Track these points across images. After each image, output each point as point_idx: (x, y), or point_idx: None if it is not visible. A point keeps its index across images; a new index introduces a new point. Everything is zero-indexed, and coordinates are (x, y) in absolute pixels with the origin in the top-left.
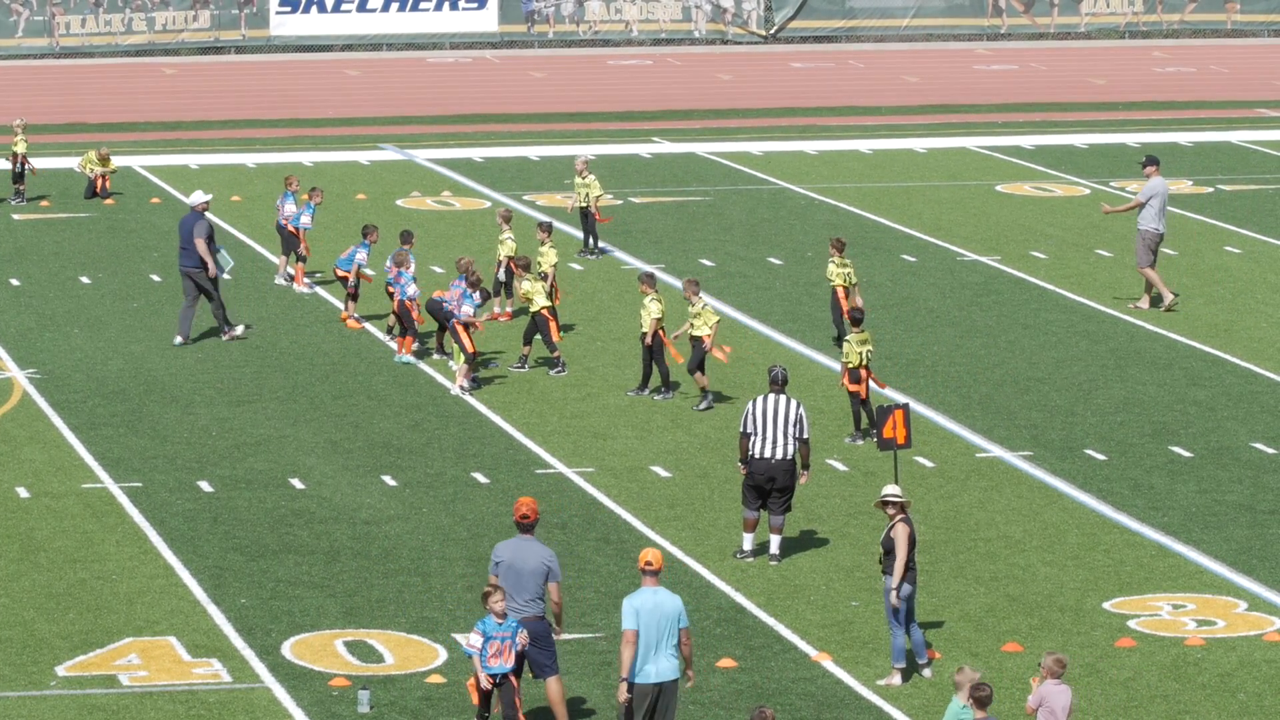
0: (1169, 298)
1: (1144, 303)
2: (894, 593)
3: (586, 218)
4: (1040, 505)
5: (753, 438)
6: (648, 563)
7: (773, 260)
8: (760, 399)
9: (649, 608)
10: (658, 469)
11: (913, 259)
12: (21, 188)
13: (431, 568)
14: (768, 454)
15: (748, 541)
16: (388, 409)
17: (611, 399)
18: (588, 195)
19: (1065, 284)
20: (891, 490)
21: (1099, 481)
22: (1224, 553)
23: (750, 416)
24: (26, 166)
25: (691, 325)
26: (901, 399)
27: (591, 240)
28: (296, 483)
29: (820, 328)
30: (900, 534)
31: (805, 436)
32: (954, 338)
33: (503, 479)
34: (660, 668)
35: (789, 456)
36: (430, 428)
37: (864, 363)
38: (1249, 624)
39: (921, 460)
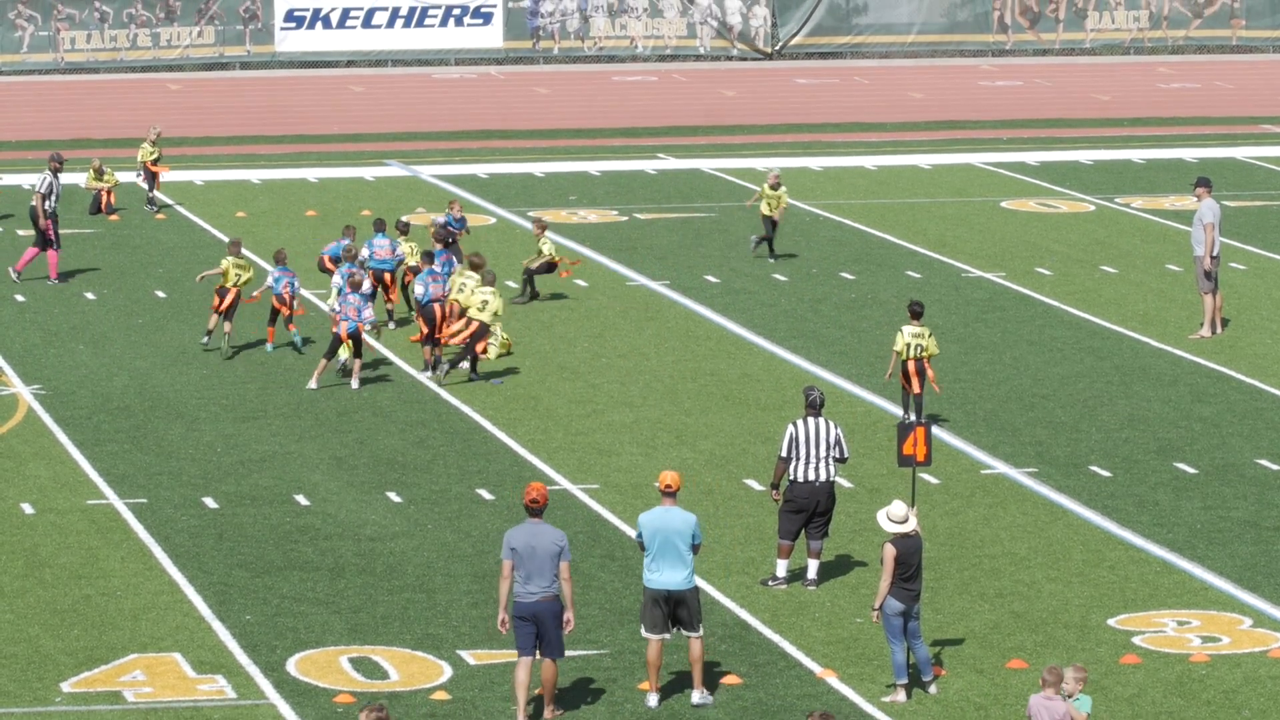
0: (1202, 331)
1: (1205, 331)
2: (874, 613)
3: (772, 226)
4: (1045, 522)
5: (794, 462)
6: (667, 485)
7: (778, 277)
8: (800, 423)
9: (658, 523)
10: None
11: (918, 275)
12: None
13: (436, 584)
14: (810, 477)
15: (781, 568)
16: (392, 425)
17: (616, 415)
18: (775, 206)
19: (1070, 300)
20: (882, 519)
21: (1104, 498)
22: (1229, 569)
23: (790, 440)
24: (155, 180)
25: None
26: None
27: (769, 247)
28: (301, 499)
29: (825, 344)
30: (886, 555)
31: (846, 457)
32: (959, 354)
33: (507, 495)
34: (667, 577)
35: (830, 479)
36: (435, 444)
37: (914, 355)
38: (1254, 640)
39: (927, 477)
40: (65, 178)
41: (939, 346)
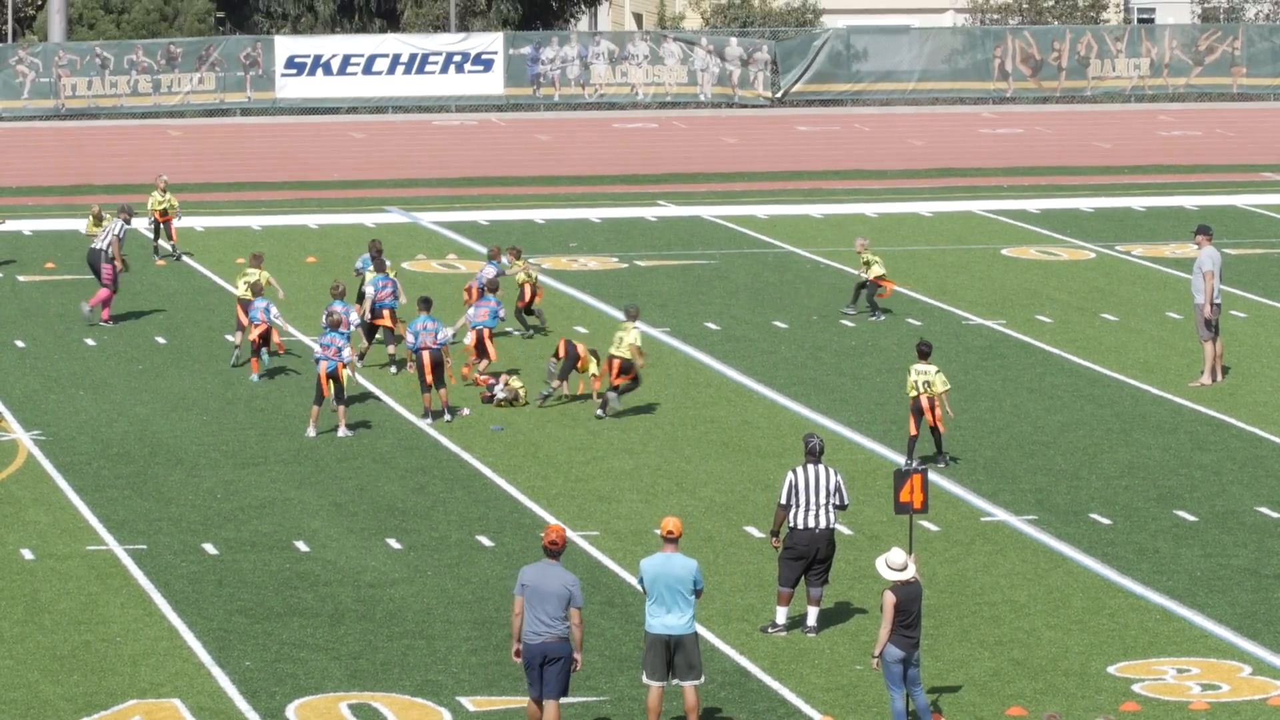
0: (1202, 379)
1: (1206, 379)
2: (874, 660)
3: (865, 287)
4: (1045, 569)
5: (794, 509)
6: (669, 531)
7: (778, 324)
8: (800, 470)
9: (659, 568)
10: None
11: (918, 323)
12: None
13: (436, 631)
14: (810, 524)
15: (781, 615)
16: (392, 472)
17: (617, 462)
18: (868, 267)
19: (1070, 348)
20: (881, 566)
21: (1104, 545)
22: (1229, 617)
23: (790, 488)
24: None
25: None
26: (918, 465)
27: (871, 307)
28: (301, 545)
29: (824, 391)
30: (886, 602)
31: (846, 504)
32: (959, 401)
33: (508, 542)
34: (668, 621)
35: (830, 525)
36: (435, 491)
37: (924, 392)
38: (1253, 688)
39: (927, 524)
40: (66, 223)
41: (947, 384)
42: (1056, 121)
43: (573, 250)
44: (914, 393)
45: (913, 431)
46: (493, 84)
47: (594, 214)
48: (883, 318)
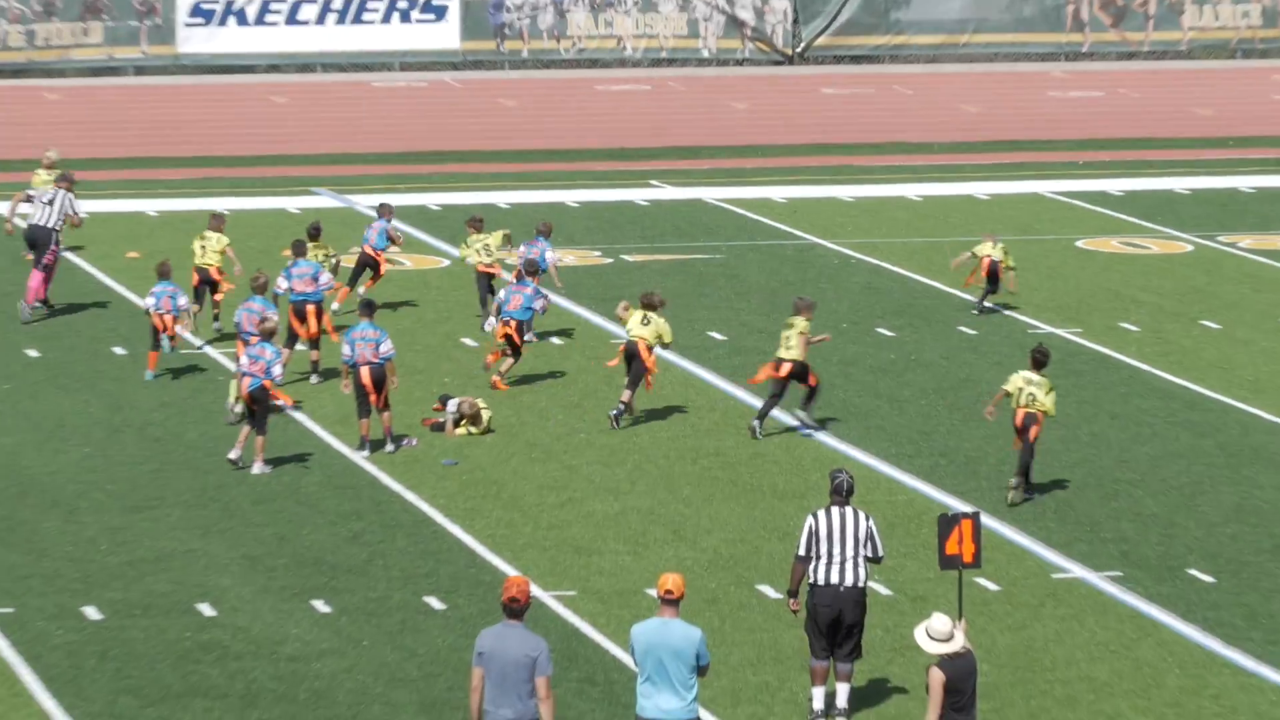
0: None
1: None
2: None
3: (994, 278)
4: (1132, 638)
5: (814, 561)
6: (667, 591)
7: None
8: (822, 514)
9: (653, 637)
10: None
11: (972, 332)
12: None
13: (374, 715)
14: (834, 580)
15: (818, 698)
16: (320, 517)
17: (599, 505)
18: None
19: (1162, 363)
20: (921, 637)
21: (1206, 609)
22: None
23: (810, 536)
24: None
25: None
26: (969, 508)
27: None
28: (206, 609)
29: (857, 416)
30: (932, 681)
31: (880, 556)
32: None
33: (462, 605)
34: (663, 704)
35: (859, 584)
36: (373, 540)
37: (1025, 403)
38: None
39: (984, 582)
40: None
41: (1056, 408)
42: (1144, 82)
43: (559, 242)
44: (1016, 401)
45: (1026, 440)
46: (446, 36)
47: (571, 197)
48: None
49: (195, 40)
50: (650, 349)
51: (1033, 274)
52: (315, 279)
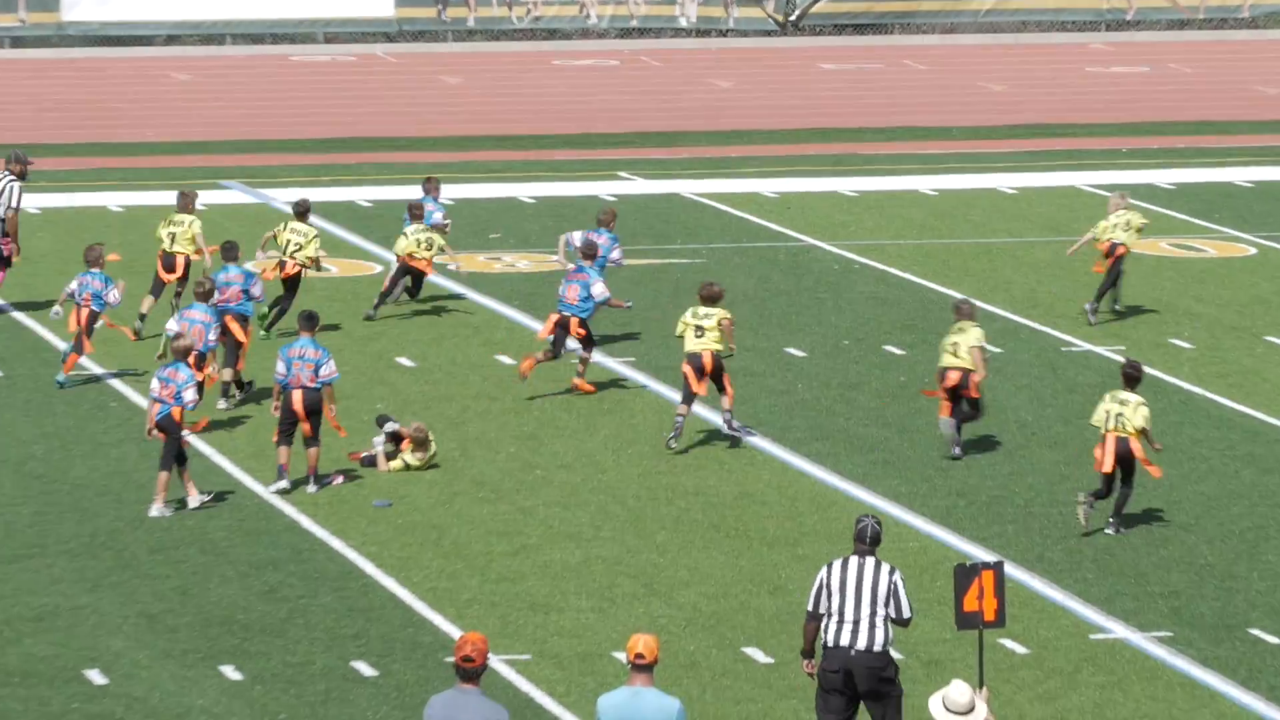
0: None
1: None
2: None
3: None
4: (1186, 709)
5: (826, 619)
6: (638, 655)
7: (792, 351)
8: (837, 564)
9: (624, 710)
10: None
11: (997, 350)
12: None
13: None
14: (844, 641)
15: None
16: (230, 567)
17: (557, 553)
18: (1129, 229)
19: (1220, 385)
20: (936, 708)
21: (1271, 675)
22: None
23: (820, 589)
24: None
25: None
26: (992, 556)
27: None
28: (95, 676)
29: (861, 448)
30: None
31: (906, 617)
32: (1057, 464)
33: (397, 670)
34: None
35: (875, 647)
36: (292, 594)
37: (1114, 428)
38: None
39: (1010, 644)
40: None
41: (1148, 420)
42: (1199, 55)
43: (494, 244)
44: (1104, 427)
45: (1108, 466)
46: (380, 3)
47: (525, 191)
48: (1095, 320)
49: (82, 7)
50: (715, 356)
51: (1067, 281)
52: (246, 291)
